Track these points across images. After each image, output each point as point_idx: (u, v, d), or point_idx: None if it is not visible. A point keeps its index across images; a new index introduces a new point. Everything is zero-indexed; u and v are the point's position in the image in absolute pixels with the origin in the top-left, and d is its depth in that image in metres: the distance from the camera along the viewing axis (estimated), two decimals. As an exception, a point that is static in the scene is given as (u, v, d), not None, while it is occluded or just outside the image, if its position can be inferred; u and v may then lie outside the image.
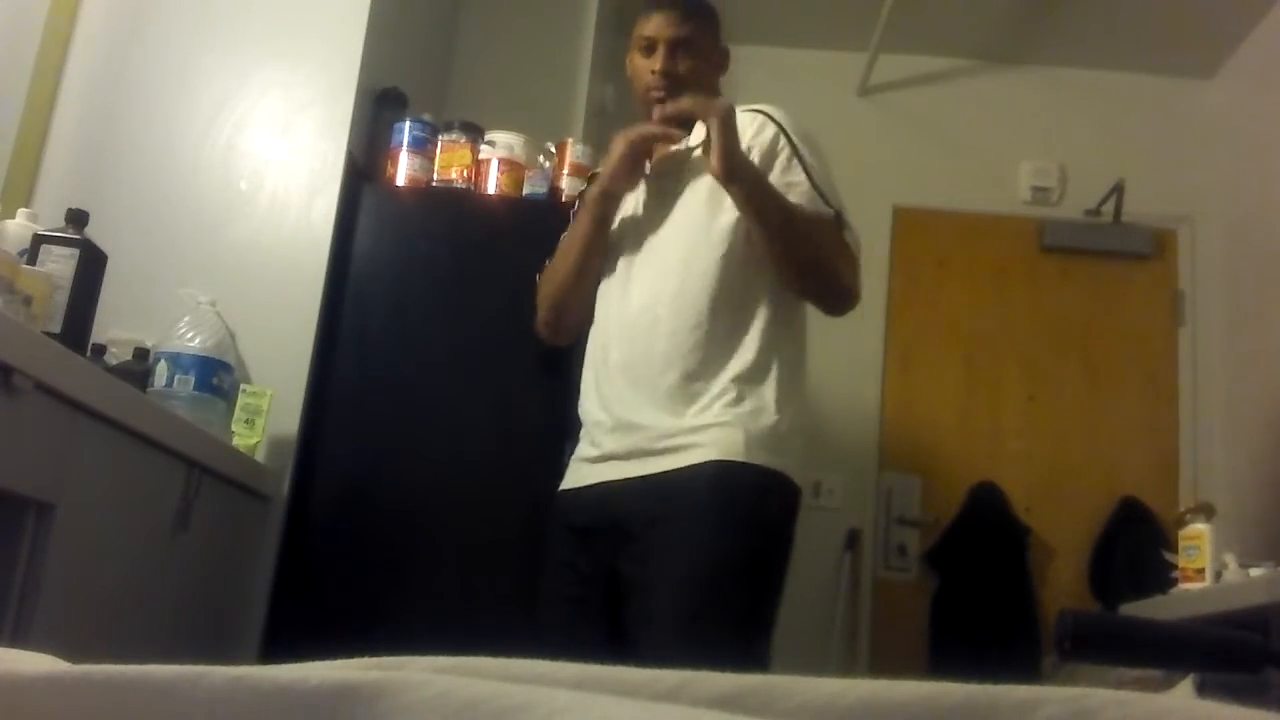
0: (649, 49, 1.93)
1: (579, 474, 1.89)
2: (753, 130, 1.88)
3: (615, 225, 1.96)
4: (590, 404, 1.91)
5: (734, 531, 1.70)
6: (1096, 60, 3.88)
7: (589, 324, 1.98)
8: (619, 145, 1.88)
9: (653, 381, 1.80)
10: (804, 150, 1.87)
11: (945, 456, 3.68)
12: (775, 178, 1.84)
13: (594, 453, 1.86)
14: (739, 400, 1.76)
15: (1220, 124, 3.80)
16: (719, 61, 2.02)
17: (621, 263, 1.94)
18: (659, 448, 1.76)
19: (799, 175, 1.85)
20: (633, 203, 1.97)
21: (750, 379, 1.79)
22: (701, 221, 1.86)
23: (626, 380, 1.83)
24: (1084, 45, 3.82)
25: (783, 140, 1.89)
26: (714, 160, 1.73)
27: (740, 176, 1.77)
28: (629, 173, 1.89)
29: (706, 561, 1.66)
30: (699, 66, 1.94)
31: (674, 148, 1.93)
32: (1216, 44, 3.73)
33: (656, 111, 1.89)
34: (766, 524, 1.75)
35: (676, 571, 1.66)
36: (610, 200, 1.92)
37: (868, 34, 3.62)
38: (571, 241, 1.97)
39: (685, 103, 1.81)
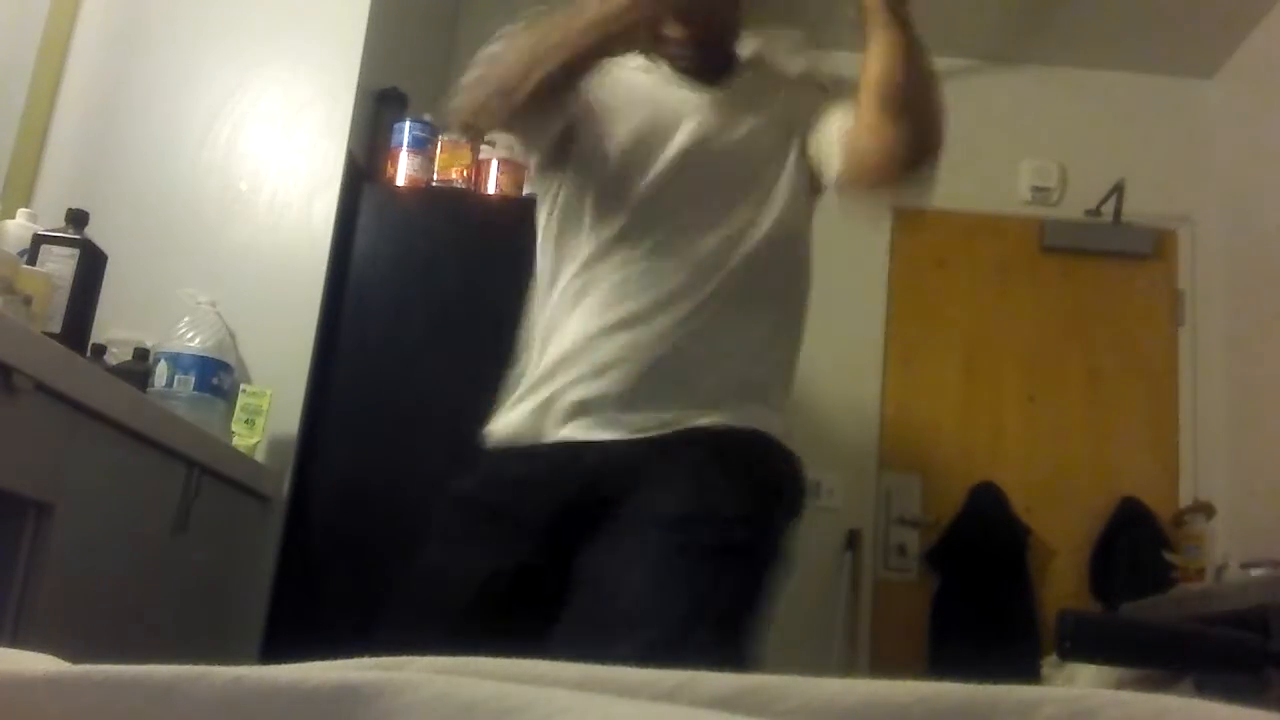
0: None
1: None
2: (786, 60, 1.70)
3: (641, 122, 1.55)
4: (578, 347, 1.53)
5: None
6: (1096, 60, 3.88)
7: (551, 129, 1.56)
8: None
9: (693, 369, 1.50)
10: None
11: (945, 456, 3.68)
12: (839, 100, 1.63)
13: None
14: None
15: (1220, 124, 3.80)
16: None
17: (644, 183, 1.53)
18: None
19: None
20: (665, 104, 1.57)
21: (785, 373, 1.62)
22: (772, 172, 1.57)
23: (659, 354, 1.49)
24: (1084, 45, 3.82)
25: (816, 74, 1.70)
26: None
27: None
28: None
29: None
30: None
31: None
32: (1216, 44, 3.73)
33: None
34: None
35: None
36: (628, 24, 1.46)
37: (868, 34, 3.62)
38: (566, 25, 1.47)
39: None
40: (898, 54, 1.54)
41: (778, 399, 1.66)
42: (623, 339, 1.51)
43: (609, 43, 1.48)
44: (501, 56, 1.54)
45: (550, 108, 1.52)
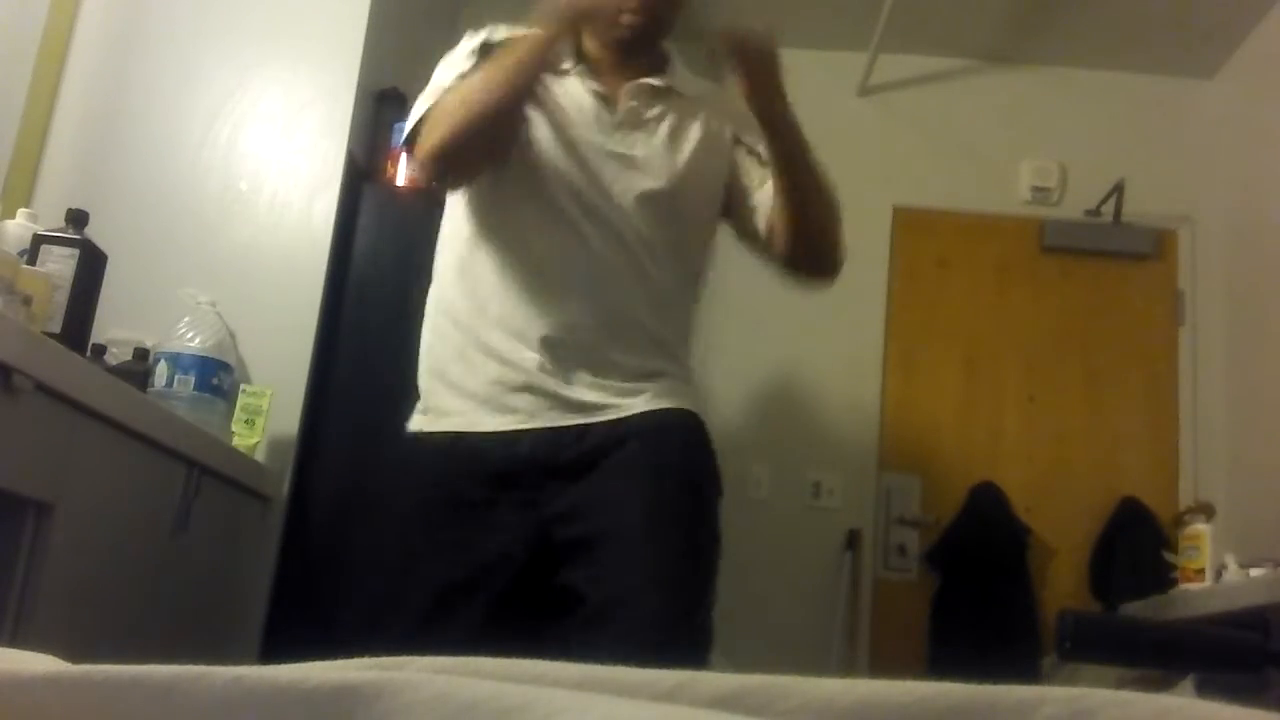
0: None
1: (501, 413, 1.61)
2: (713, 85, 1.75)
3: (550, 139, 1.65)
4: (511, 338, 1.62)
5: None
6: (1096, 60, 3.88)
7: (486, 172, 1.66)
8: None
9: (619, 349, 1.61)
10: None
11: (945, 456, 3.68)
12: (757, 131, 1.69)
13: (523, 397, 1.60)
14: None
15: (1220, 124, 3.80)
16: None
17: (564, 192, 1.63)
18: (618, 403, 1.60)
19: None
20: (579, 119, 1.67)
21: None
22: (686, 177, 1.67)
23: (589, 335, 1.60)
24: (1084, 45, 3.82)
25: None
26: (756, 91, 1.54)
27: (786, 113, 1.57)
28: (575, 18, 1.60)
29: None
30: None
31: (650, 81, 1.69)
32: (1216, 44, 3.73)
33: (724, 34, 1.58)
34: None
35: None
36: (569, 33, 1.61)
37: (868, 34, 3.62)
38: (503, 69, 1.59)
39: (750, 34, 1.56)
40: (784, 152, 1.63)
41: (686, 355, 1.75)
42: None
43: (534, 74, 1.61)
44: (441, 110, 1.64)
45: (502, 148, 1.63)
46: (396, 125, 2.62)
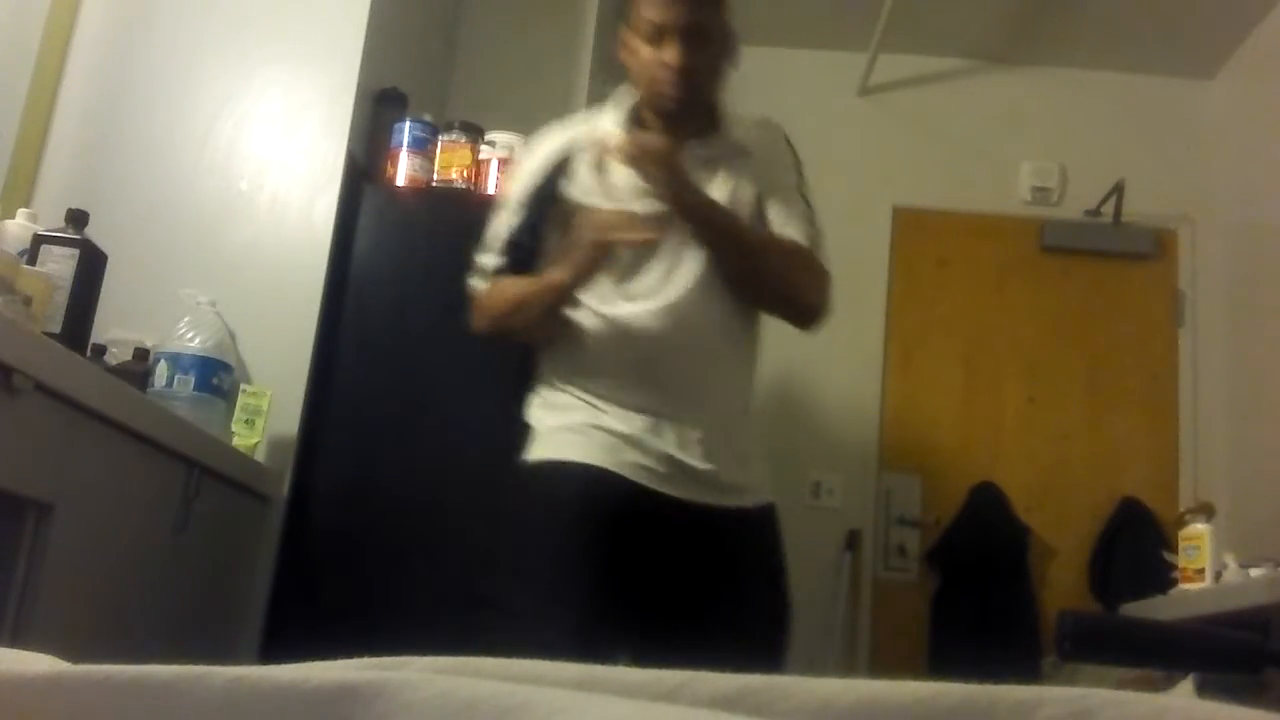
0: (656, 36, 1.71)
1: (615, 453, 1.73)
2: (765, 138, 1.87)
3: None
4: (616, 387, 1.75)
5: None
6: (1096, 60, 3.88)
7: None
8: (587, 245, 1.69)
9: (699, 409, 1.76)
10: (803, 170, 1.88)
11: (945, 456, 3.68)
12: (781, 196, 1.83)
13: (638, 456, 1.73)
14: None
15: (1220, 124, 3.80)
16: (731, 48, 1.82)
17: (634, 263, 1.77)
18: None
19: (802, 204, 1.84)
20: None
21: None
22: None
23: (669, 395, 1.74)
24: (1084, 45, 3.82)
25: (792, 158, 1.87)
26: (662, 195, 1.67)
27: (694, 210, 1.71)
28: (596, 270, 1.72)
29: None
30: (713, 57, 1.77)
31: (697, 150, 1.80)
32: (1216, 44, 3.73)
33: (604, 150, 1.75)
34: None
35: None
36: (578, 291, 1.75)
37: (868, 34, 3.62)
38: (528, 307, 1.79)
39: (620, 147, 1.71)
40: (719, 258, 1.74)
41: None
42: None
43: (556, 313, 1.78)
44: (489, 303, 1.85)
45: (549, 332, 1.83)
46: (396, 125, 2.62)
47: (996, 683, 0.45)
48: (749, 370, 1.90)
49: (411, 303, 2.49)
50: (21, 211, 2.03)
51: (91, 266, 1.89)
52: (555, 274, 1.74)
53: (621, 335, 1.74)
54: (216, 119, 2.54)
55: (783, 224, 1.81)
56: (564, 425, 1.77)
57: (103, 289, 1.95)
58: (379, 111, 2.67)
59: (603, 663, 0.53)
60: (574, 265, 1.70)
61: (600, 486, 1.69)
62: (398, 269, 2.51)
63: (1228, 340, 3.65)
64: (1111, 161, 3.78)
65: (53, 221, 1.94)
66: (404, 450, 2.40)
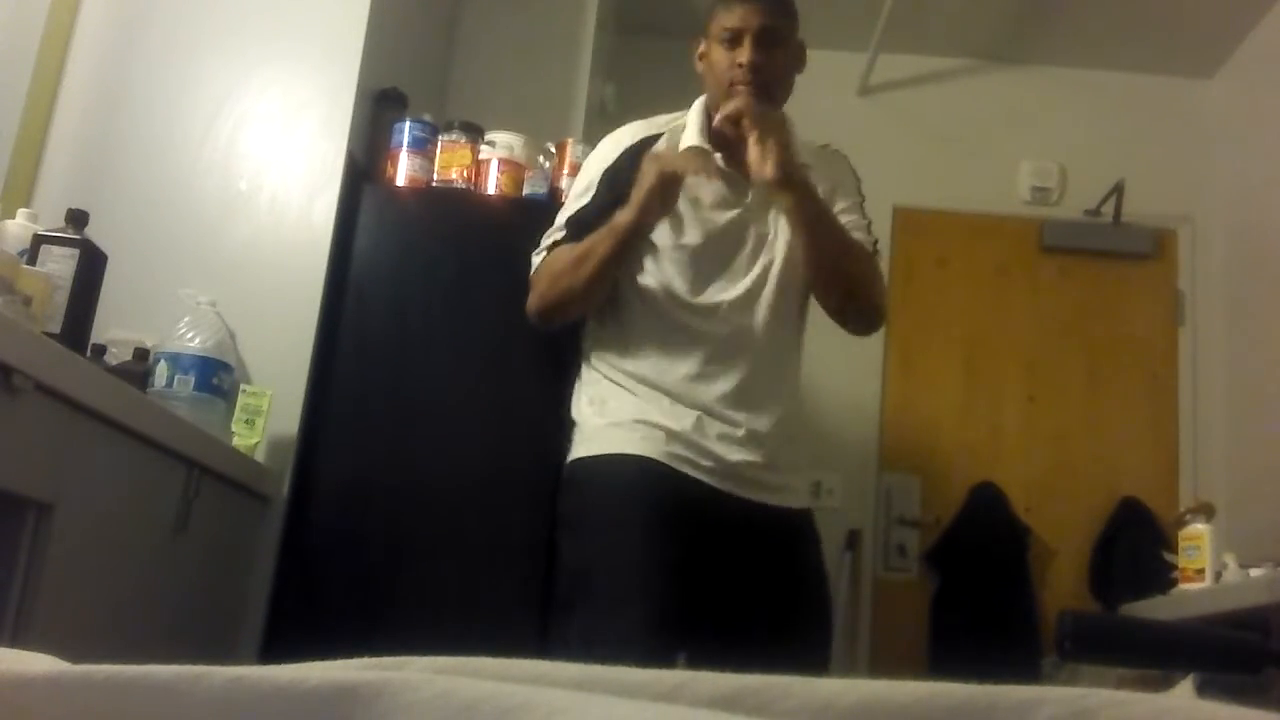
0: (733, 40, 1.85)
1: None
2: (827, 162, 1.97)
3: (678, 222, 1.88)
4: (685, 381, 1.82)
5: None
6: (1096, 60, 3.88)
7: (583, 317, 1.97)
8: (651, 175, 1.76)
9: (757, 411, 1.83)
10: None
11: (945, 456, 3.68)
12: (846, 209, 1.93)
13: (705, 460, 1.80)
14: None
15: (1220, 124, 3.80)
16: (799, 56, 1.95)
17: (694, 261, 1.86)
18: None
19: (864, 218, 1.97)
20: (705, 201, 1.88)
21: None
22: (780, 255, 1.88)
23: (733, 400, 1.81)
24: (1084, 45, 3.82)
25: (853, 179, 2.00)
26: (768, 166, 1.72)
27: (797, 185, 1.77)
28: (662, 204, 1.79)
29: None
30: (784, 60, 1.89)
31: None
32: (1216, 44, 3.73)
33: (719, 114, 1.82)
34: None
35: None
36: (643, 232, 1.82)
37: (868, 34, 3.62)
38: (591, 257, 1.83)
39: (741, 104, 1.78)
40: (801, 220, 1.80)
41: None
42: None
43: (623, 256, 1.83)
44: (548, 270, 1.90)
45: (594, 304, 1.91)
46: (396, 125, 2.62)
47: (996, 683, 0.45)
48: (798, 376, 1.98)
49: (411, 303, 2.49)
50: (21, 211, 2.03)
51: (91, 266, 1.89)
52: (620, 214, 1.78)
53: (692, 326, 1.81)
54: (216, 118, 2.54)
55: (849, 232, 1.91)
56: (612, 423, 1.81)
57: (103, 289, 1.95)
58: (379, 111, 2.67)
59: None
60: (639, 202, 1.75)
61: (653, 478, 1.74)
62: (398, 269, 2.51)
63: (1227, 340, 3.65)
64: (1111, 161, 3.78)
65: (53, 221, 1.94)
66: (404, 450, 2.40)
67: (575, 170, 2.58)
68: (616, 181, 1.86)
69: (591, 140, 2.83)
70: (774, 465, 1.81)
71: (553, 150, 2.64)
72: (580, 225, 1.88)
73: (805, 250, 1.82)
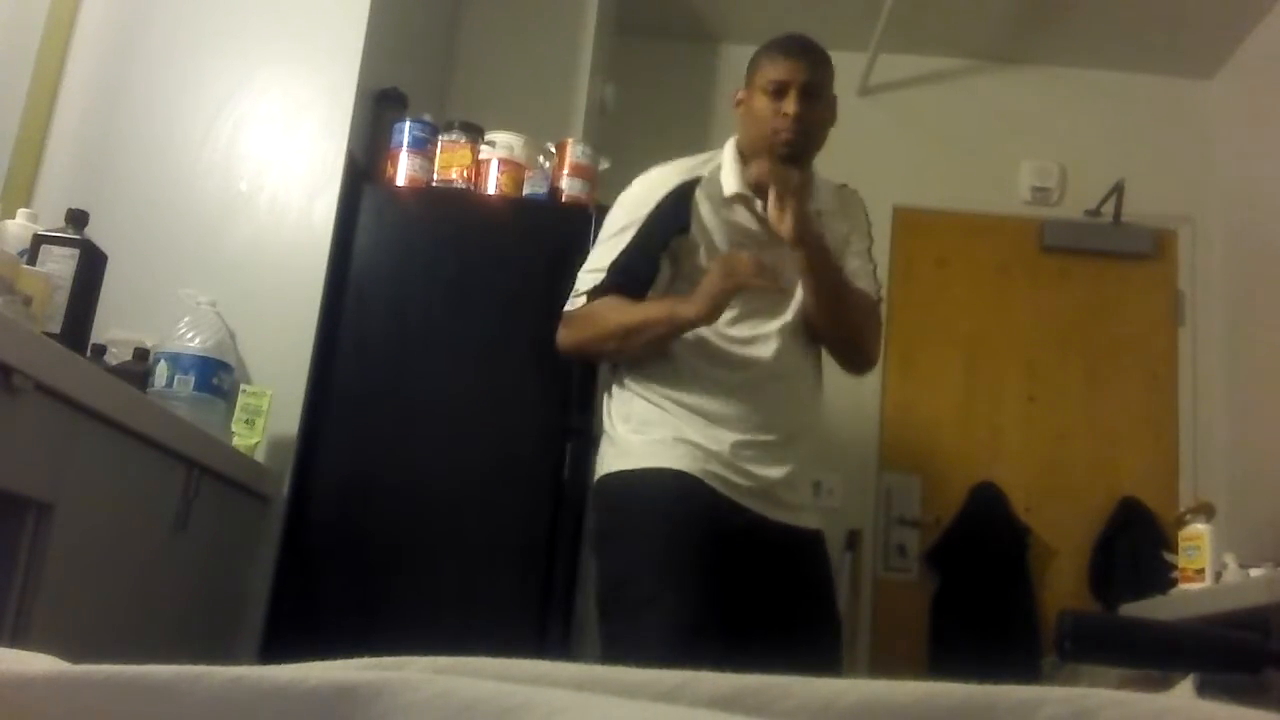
0: (779, 92, 1.92)
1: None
2: (845, 202, 2.07)
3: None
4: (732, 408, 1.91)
5: None
6: (1096, 60, 3.88)
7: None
8: (719, 279, 1.82)
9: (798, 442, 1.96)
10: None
11: (945, 456, 3.68)
12: (855, 252, 2.04)
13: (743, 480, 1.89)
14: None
15: (1220, 124, 3.80)
16: (833, 109, 2.04)
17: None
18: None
19: (870, 263, 2.08)
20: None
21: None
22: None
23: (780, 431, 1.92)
24: (1084, 45, 3.82)
25: (865, 222, 2.11)
26: (785, 225, 1.83)
27: (811, 242, 1.88)
28: (724, 309, 1.86)
29: None
30: (821, 113, 1.98)
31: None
32: (1216, 44, 3.73)
33: (758, 166, 1.91)
34: None
35: None
36: (699, 326, 1.88)
37: (868, 34, 3.62)
38: (643, 332, 1.89)
39: (759, 170, 1.89)
40: (811, 275, 1.91)
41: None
42: None
43: (670, 340, 1.90)
44: (592, 320, 1.94)
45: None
46: (396, 125, 2.62)
47: (996, 683, 0.45)
48: (822, 403, 2.10)
49: (411, 303, 2.49)
50: (21, 211, 2.03)
51: (91, 266, 1.89)
52: (683, 306, 1.86)
53: (732, 359, 1.91)
54: (216, 119, 2.54)
55: (854, 279, 2.02)
56: (651, 440, 1.88)
57: (103, 289, 1.95)
58: (379, 111, 2.67)
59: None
60: (707, 301, 1.82)
61: (689, 491, 1.83)
62: (397, 269, 2.51)
63: (1227, 340, 3.65)
64: (1111, 161, 3.78)
65: (53, 221, 1.94)
66: (404, 450, 2.40)
67: (575, 170, 2.58)
68: (664, 228, 1.93)
69: (592, 140, 2.84)
70: (797, 487, 1.94)
71: (553, 150, 2.64)
72: (624, 273, 1.92)
73: (813, 302, 1.93)
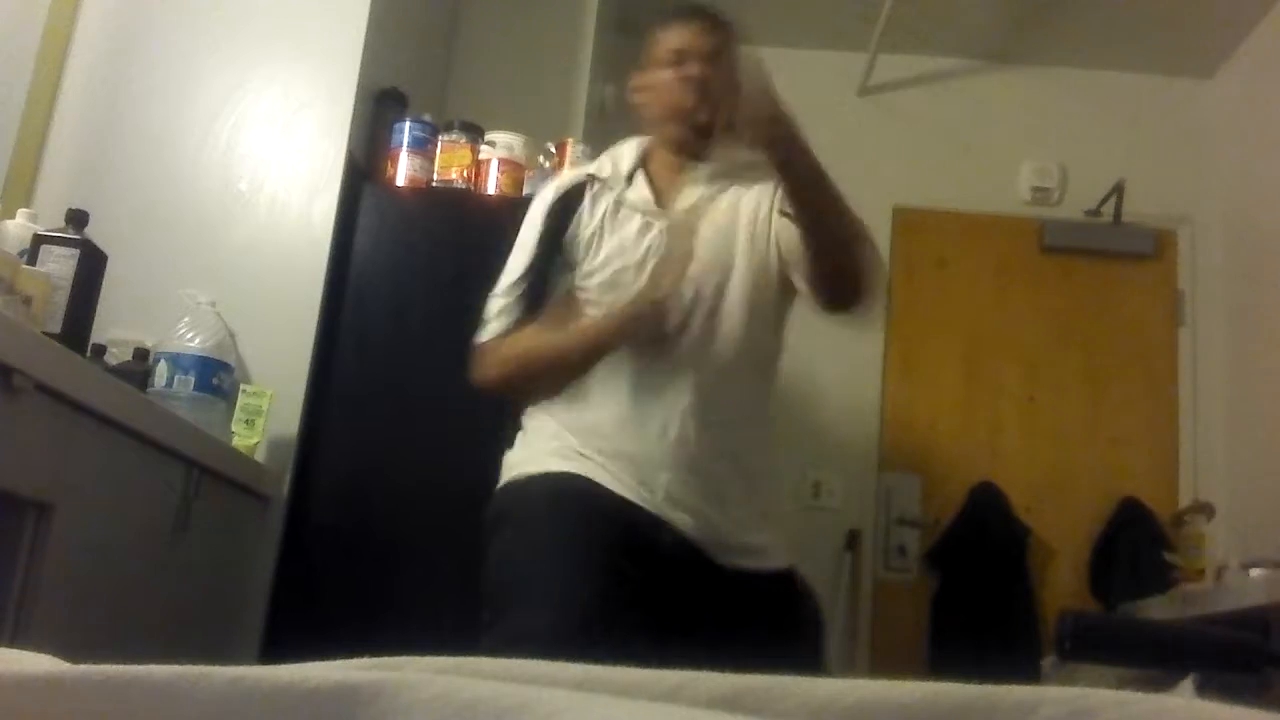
0: (678, 61, 1.81)
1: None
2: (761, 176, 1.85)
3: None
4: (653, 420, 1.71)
5: None
6: (1096, 60, 3.88)
7: None
8: (642, 312, 1.67)
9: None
10: None
11: (945, 456, 3.68)
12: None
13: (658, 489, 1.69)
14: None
15: (1220, 124, 3.80)
16: (738, 80, 1.78)
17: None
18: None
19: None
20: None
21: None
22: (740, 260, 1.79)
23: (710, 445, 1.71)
24: (1084, 45, 3.82)
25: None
26: (770, 145, 1.61)
27: (781, 134, 1.62)
28: (640, 339, 1.69)
29: None
30: (731, 81, 1.75)
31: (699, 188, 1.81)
32: (1216, 44, 3.73)
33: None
34: None
35: None
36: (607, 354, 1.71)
37: (868, 34, 3.62)
38: (565, 369, 1.74)
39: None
40: (798, 180, 1.68)
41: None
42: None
43: (582, 373, 1.73)
44: (517, 357, 1.79)
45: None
46: (396, 125, 2.62)
47: (996, 683, 0.45)
48: (768, 425, 1.85)
49: (411, 303, 2.49)
50: (21, 211, 2.03)
51: (91, 266, 1.89)
52: (594, 330, 1.70)
53: (651, 390, 1.70)
54: (215, 119, 2.54)
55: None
56: (540, 450, 1.75)
57: (103, 289, 1.95)
58: (379, 111, 2.67)
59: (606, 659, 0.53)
60: (622, 328, 1.67)
61: (580, 488, 1.67)
62: (397, 269, 2.51)
63: (1227, 340, 3.65)
64: (1111, 161, 3.78)
65: (53, 221, 1.94)
66: (404, 450, 2.40)
67: (575, 170, 2.58)
68: (551, 237, 1.83)
69: (591, 140, 2.84)
70: (735, 527, 1.72)
71: (553, 150, 2.64)
72: (522, 289, 1.82)
73: (795, 206, 1.71)
